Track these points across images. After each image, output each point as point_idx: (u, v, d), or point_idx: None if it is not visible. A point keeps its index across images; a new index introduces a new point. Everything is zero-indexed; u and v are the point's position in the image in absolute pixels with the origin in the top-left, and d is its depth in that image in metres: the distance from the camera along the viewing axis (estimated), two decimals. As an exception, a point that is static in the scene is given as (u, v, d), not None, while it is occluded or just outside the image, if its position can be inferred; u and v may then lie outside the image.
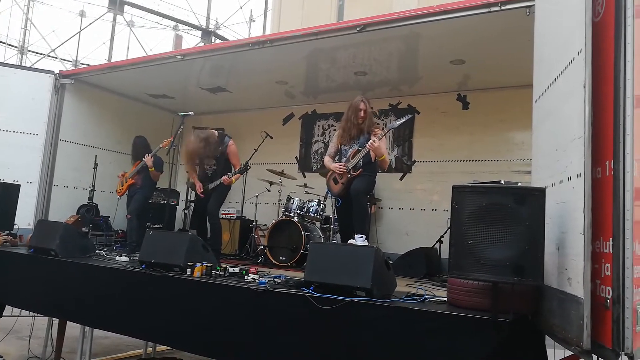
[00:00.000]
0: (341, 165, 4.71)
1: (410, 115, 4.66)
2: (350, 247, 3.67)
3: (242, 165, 5.45)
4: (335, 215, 5.92)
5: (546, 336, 2.61)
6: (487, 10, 4.00)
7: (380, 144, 4.55)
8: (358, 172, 4.65)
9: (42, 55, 21.00)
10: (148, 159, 5.97)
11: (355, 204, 4.60)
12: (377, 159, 4.71)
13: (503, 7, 3.92)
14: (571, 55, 2.40)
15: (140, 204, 6.08)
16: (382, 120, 6.79)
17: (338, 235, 6.17)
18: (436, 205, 6.27)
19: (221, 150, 5.49)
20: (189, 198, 7.49)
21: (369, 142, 4.50)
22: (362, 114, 4.69)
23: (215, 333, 3.39)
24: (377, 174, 4.98)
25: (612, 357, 2.02)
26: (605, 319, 2.07)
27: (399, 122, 4.61)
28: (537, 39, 3.29)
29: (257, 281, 3.52)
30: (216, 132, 5.54)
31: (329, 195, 5.14)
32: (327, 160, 5.02)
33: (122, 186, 6.28)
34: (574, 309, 2.16)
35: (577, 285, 2.16)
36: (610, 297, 2.06)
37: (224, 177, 5.30)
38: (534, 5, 3.52)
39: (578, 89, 2.26)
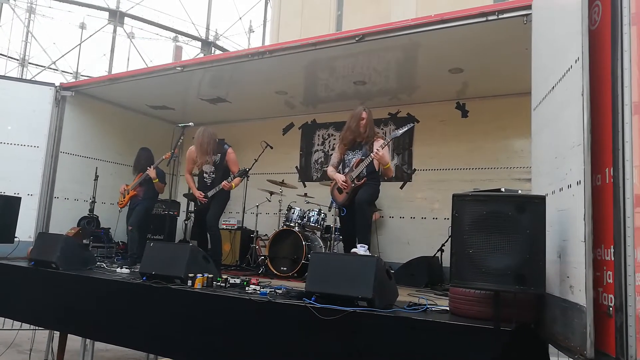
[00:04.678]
0: (344, 180, 4.71)
1: (412, 124, 4.66)
2: (352, 256, 3.67)
3: (242, 170, 5.44)
4: (338, 224, 5.93)
5: (549, 345, 2.59)
6: (484, 19, 4.02)
7: (384, 153, 4.56)
8: (362, 181, 4.64)
9: (42, 68, 21.11)
10: (151, 171, 6.01)
11: (359, 215, 4.59)
12: (381, 168, 4.71)
13: (500, 16, 3.94)
14: (569, 63, 2.41)
15: (141, 215, 6.09)
16: (382, 129, 6.79)
17: (340, 244, 6.17)
18: (437, 213, 6.26)
19: (220, 157, 5.48)
20: (189, 209, 7.50)
21: (373, 151, 4.50)
22: (363, 122, 4.74)
23: (216, 344, 3.38)
24: (381, 182, 4.97)
25: (615, 366, 2.01)
26: (608, 327, 2.06)
27: (401, 131, 4.61)
28: (535, 47, 3.31)
29: (258, 292, 3.51)
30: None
31: (334, 205, 5.12)
32: (330, 170, 5.02)
33: (124, 198, 6.29)
34: (577, 317, 2.15)
35: (579, 293, 2.15)
36: (612, 304, 2.05)
37: (223, 183, 5.30)
38: (531, 13, 3.54)
39: (576, 96, 2.27)
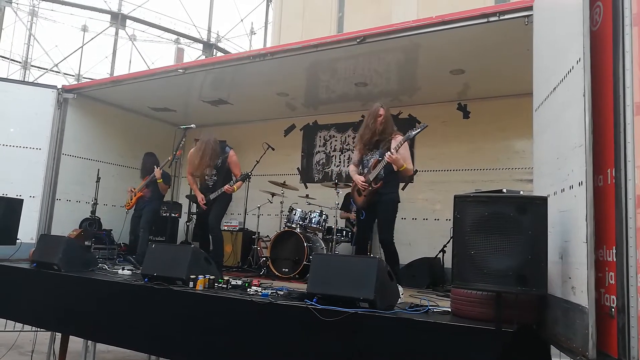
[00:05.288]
0: (363, 181, 4.55)
1: (426, 125, 4.42)
2: (353, 258, 3.67)
3: (243, 174, 5.45)
4: (340, 226, 5.92)
5: (551, 346, 2.59)
6: (485, 20, 4.02)
7: (401, 153, 4.37)
8: (379, 184, 4.47)
9: (45, 70, 21.17)
10: (157, 172, 6.15)
11: (387, 254, 4.43)
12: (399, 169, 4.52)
13: (501, 17, 3.94)
14: (570, 64, 2.41)
15: (150, 217, 6.25)
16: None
17: (341, 245, 6.17)
18: (438, 214, 6.26)
19: (222, 159, 5.49)
20: (191, 211, 7.51)
21: (386, 155, 4.35)
22: (380, 119, 4.56)
23: (218, 345, 3.38)
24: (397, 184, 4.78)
25: (618, 367, 2.01)
26: (611, 328, 2.06)
27: (414, 132, 4.39)
28: (536, 48, 3.31)
29: (259, 293, 3.51)
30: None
31: (353, 208, 4.97)
32: (352, 169, 4.86)
33: (131, 200, 6.44)
34: (579, 318, 2.15)
35: (581, 294, 2.15)
36: (615, 305, 2.05)
37: (225, 186, 5.31)
38: (532, 14, 3.54)
39: (578, 97, 2.27)
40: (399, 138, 4.48)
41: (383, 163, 4.45)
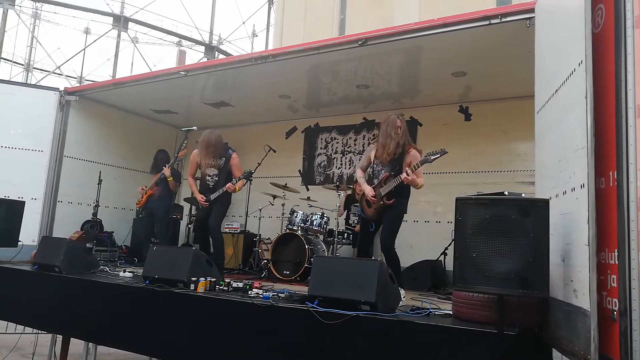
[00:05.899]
0: (373, 196, 4.43)
1: (446, 151, 4.24)
2: (354, 260, 3.66)
3: (247, 171, 5.44)
4: (341, 228, 5.90)
5: (553, 349, 2.58)
6: (487, 22, 4.02)
7: (414, 177, 4.24)
8: (391, 201, 4.36)
9: (47, 73, 21.22)
10: (166, 170, 6.21)
11: (388, 259, 4.35)
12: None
13: (503, 20, 3.93)
14: (572, 67, 2.41)
15: (162, 222, 6.36)
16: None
17: (343, 248, 6.16)
18: (440, 217, 6.24)
19: (224, 160, 5.49)
20: (192, 213, 7.51)
21: (402, 176, 4.24)
22: (399, 130, 4.41)
23: (218, 348, 3.37)
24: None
25: (620, 370, 2.00)
26: (613, 331, 2.05)
27: (433, 157, 4.24)
28: (538, 51, 3.31)
29: (260, 296, 3.51)
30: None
31: (359, 212, 4.86)
32: (359, 174, 4.72)
33: (142, 198, 6.53)
34: (581, 321, 2.14)
35: (583, 297, 2.14)
36: (617, 309, 2.04)
37: (227, 184, 5.30)
38: (534, 17, 3.54)
39: (580, 100, 2.26)
40: (413, 152, 4.38)
41: (396, 182, 4.31)
